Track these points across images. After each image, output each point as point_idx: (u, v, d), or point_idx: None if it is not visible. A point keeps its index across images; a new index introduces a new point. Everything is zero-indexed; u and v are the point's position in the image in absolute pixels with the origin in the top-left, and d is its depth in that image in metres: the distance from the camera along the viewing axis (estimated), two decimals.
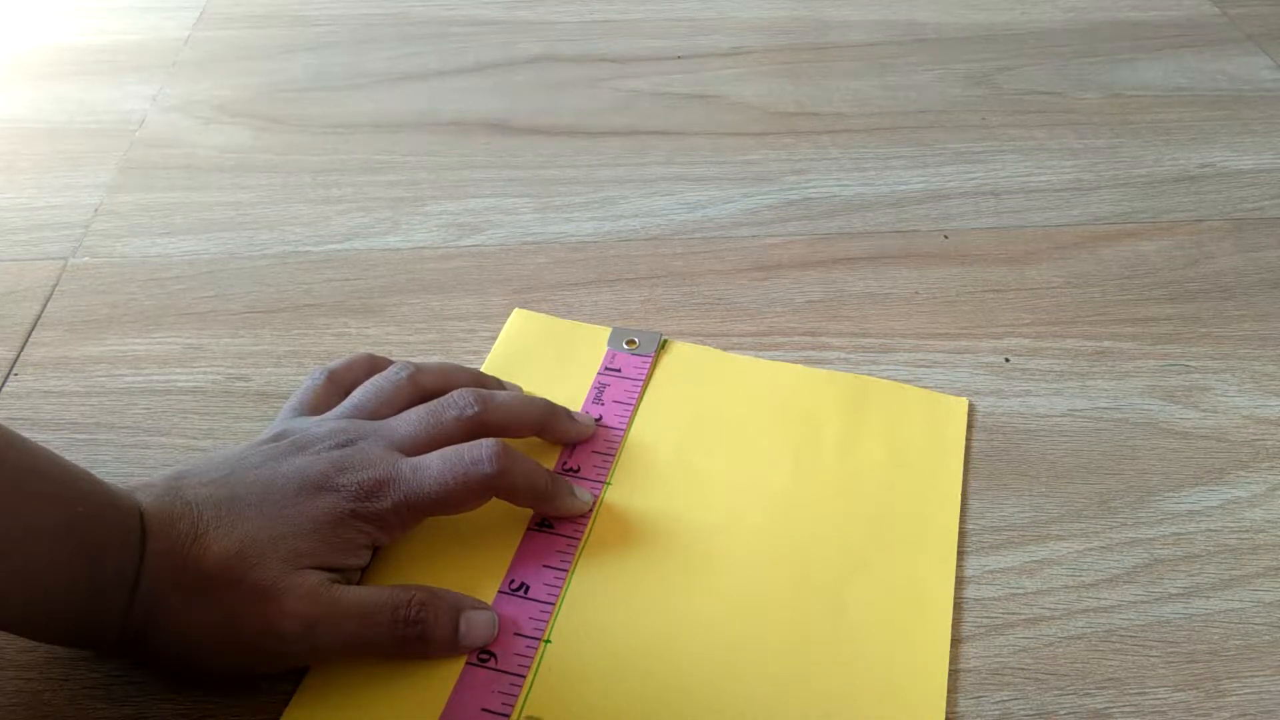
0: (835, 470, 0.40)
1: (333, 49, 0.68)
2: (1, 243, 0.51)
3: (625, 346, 0.45)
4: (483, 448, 0.35)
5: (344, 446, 0.35)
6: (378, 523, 0.34)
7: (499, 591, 0.35)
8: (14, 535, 0.29)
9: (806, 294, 0.49)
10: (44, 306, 0.48)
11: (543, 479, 0.37)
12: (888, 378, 0.44)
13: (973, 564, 0.37)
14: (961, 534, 0.38)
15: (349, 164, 0.57)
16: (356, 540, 0.33)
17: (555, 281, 0.49)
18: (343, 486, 0.33)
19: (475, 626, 0.34)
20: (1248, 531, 0.38)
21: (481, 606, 0.35)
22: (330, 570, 0.32)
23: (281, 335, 0.46)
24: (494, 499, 0.36)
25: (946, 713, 0.33)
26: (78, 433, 0.41)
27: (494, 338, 0.46)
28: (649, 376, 0.44)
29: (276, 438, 0.36)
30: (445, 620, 0.33)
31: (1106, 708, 0.33)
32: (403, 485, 0.34)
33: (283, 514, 0.32)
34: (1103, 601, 0.36)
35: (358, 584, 0.34)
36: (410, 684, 0.33)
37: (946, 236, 0.52)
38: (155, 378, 0.44)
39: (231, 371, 0.44)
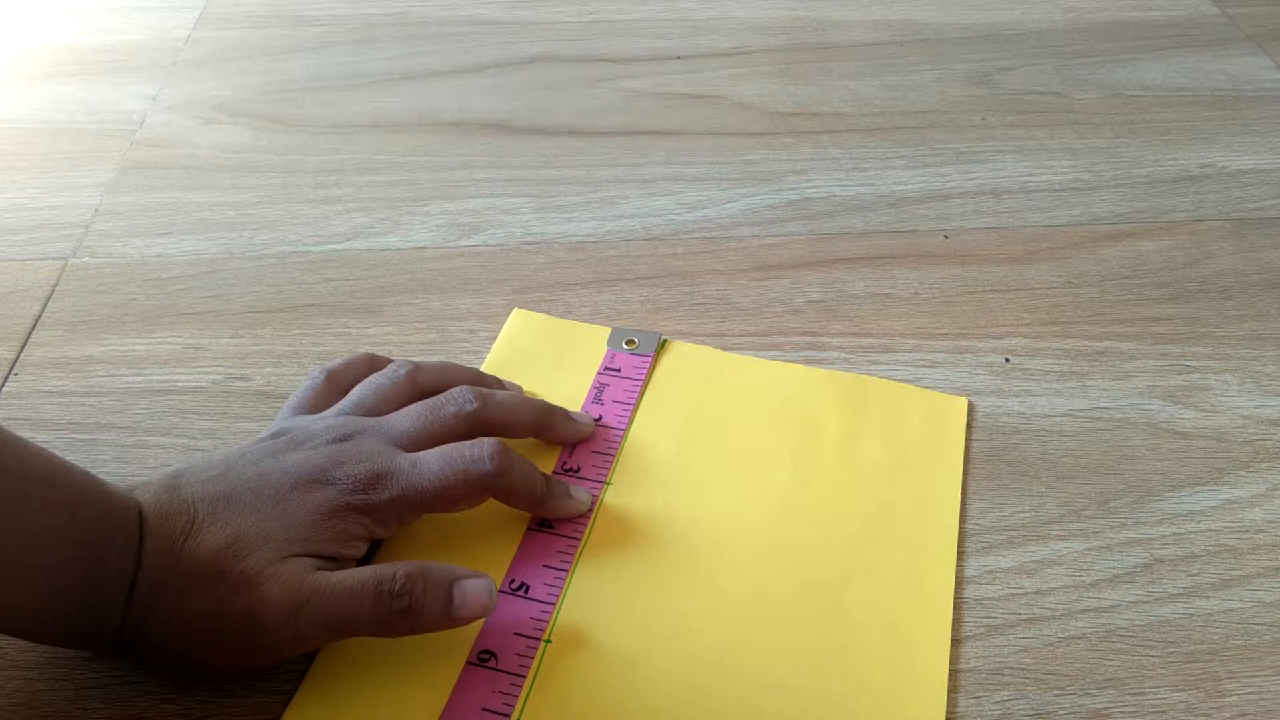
0: (835, 470, 0.40)
1: (333, 49, 0.68)
2: (1, 243, 0.51)
3: (625, 346, 0.45)
4: (483, 446, 0.35)
5: (342, 441, 0.35)
6: (374, 515, 0.33)
7: (499, 591, 0.35)
8: (15, 540, 0.29)
9: (806, 294, 0.49)
10: (44, 306, 0.48)
11: (539, 481, 0.37)
12: (888, 378, 0.44)
13: (973, 564, 0.37)
14: (961, 534, 0.38)
15: (349, 164, 0.57)
16: (352, 531, 0.33)
17: (555, 281, 0.49)
18: (339, 479, 0.33)
19: (471, 595, 0.32)
20: (1248, 531, 0.38)
21: (477, 575, 0.33)
22: (324, 560, 0.32)
23: (281, 335, 0.46)
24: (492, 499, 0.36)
25: (946, 713, 0.33)
26: (78, 433, 0.41)
27: (494, 338, 0.46)
28: (649, 376, 0.44)
29: (275, 435, 0.36)
30: (435, 591, 0.32)
31: (1106, 708, 0.33)
32: (400, 479, 0.34)
33: (277, 508, 0.32)
34: (1103, 601, 0.36)
35: None
36: (410, 684, 0.33)
37: (946, 236, 0.52)
38: (155, 378, 0.44)
39: (231, 371, 0.44)
